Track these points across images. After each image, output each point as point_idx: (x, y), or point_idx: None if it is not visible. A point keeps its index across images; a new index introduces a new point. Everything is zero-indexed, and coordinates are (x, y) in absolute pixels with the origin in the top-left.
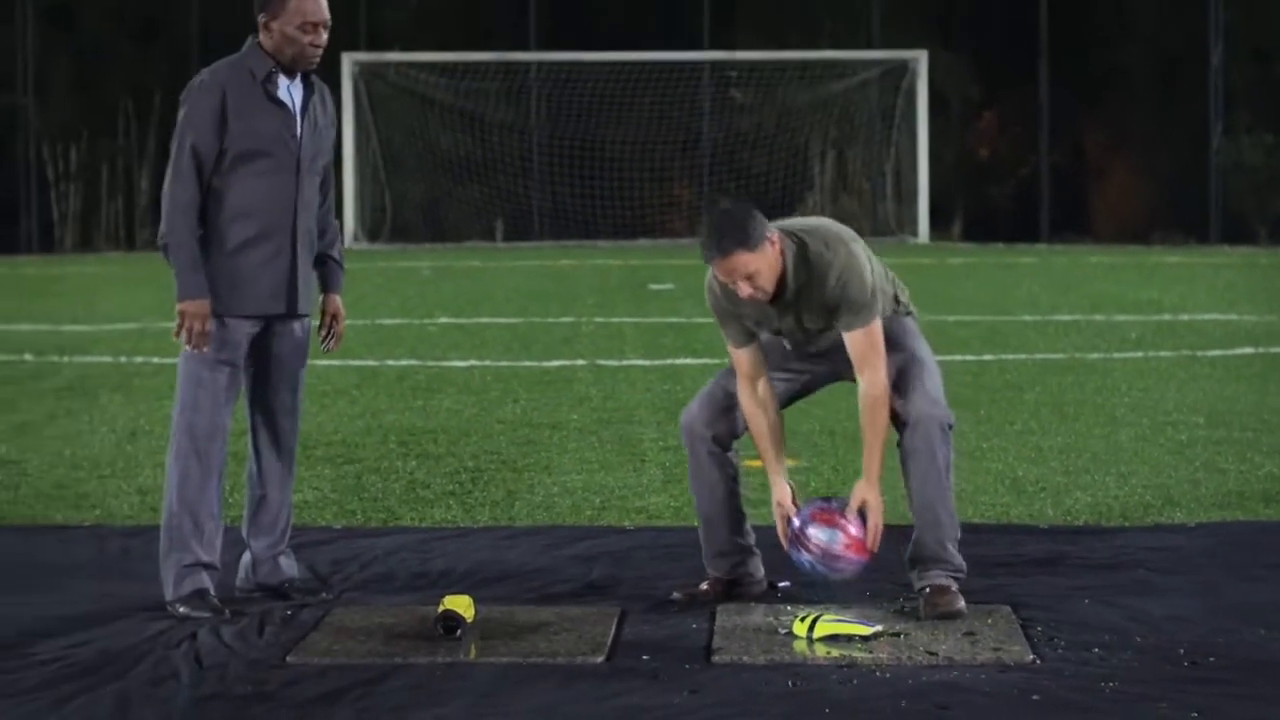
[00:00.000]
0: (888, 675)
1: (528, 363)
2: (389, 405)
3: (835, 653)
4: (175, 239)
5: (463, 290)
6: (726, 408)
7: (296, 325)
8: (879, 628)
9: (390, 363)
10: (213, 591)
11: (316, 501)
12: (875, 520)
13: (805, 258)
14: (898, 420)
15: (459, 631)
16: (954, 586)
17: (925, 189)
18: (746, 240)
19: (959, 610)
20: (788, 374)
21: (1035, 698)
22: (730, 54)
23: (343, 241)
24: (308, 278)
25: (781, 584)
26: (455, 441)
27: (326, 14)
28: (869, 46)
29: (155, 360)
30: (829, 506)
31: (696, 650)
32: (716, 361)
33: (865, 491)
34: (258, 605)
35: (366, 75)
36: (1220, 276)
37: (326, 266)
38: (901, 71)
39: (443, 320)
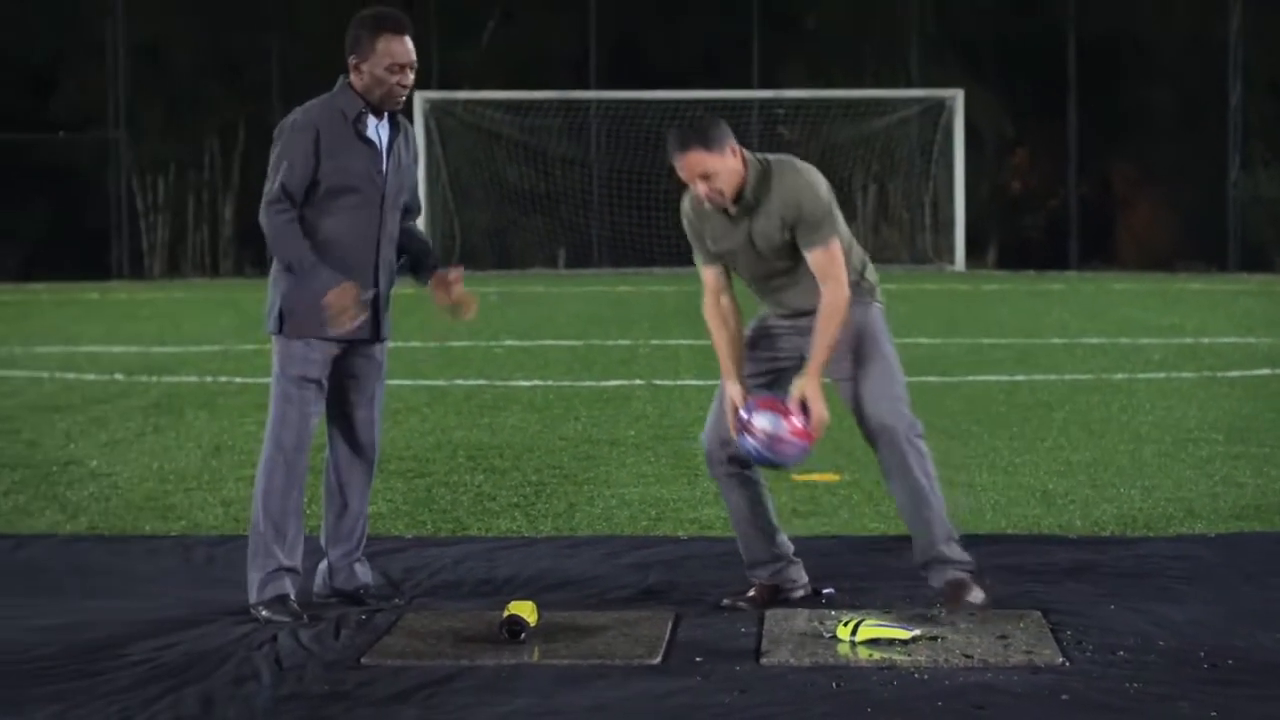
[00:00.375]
0: (926, 677)
1: (588, 382)
2: (458, 422)
3: (877, 655)
4: (293, 256)
5: (527, 314)
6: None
7: (376, 348)
8: (918, 632)
9: (459, 382)
10: (293, 596)
11: (389, 513)
12: (817, 409)
13: (766, 175)
14: (864, 432)
15: (523, 635)
16: (966, 578)
17: (961, 220)
18: (705, 141)
19: (977, 600)
20: (756, 373)
21: (1064, 698)
22: (778, 93)
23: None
24: (387, 303)
25: (826, 590)
26: (520, 456)
27: (413, 55)
28: (909, 86)
29: (238, 380)
30: (775, 397)
31: (746, 653)
32: None
33: (805, 385)
34: (335, 610)
35: (437, 112)
36: (1239, 302)
37: (419, 255)
38: (939, 109)
39: (508, 343)
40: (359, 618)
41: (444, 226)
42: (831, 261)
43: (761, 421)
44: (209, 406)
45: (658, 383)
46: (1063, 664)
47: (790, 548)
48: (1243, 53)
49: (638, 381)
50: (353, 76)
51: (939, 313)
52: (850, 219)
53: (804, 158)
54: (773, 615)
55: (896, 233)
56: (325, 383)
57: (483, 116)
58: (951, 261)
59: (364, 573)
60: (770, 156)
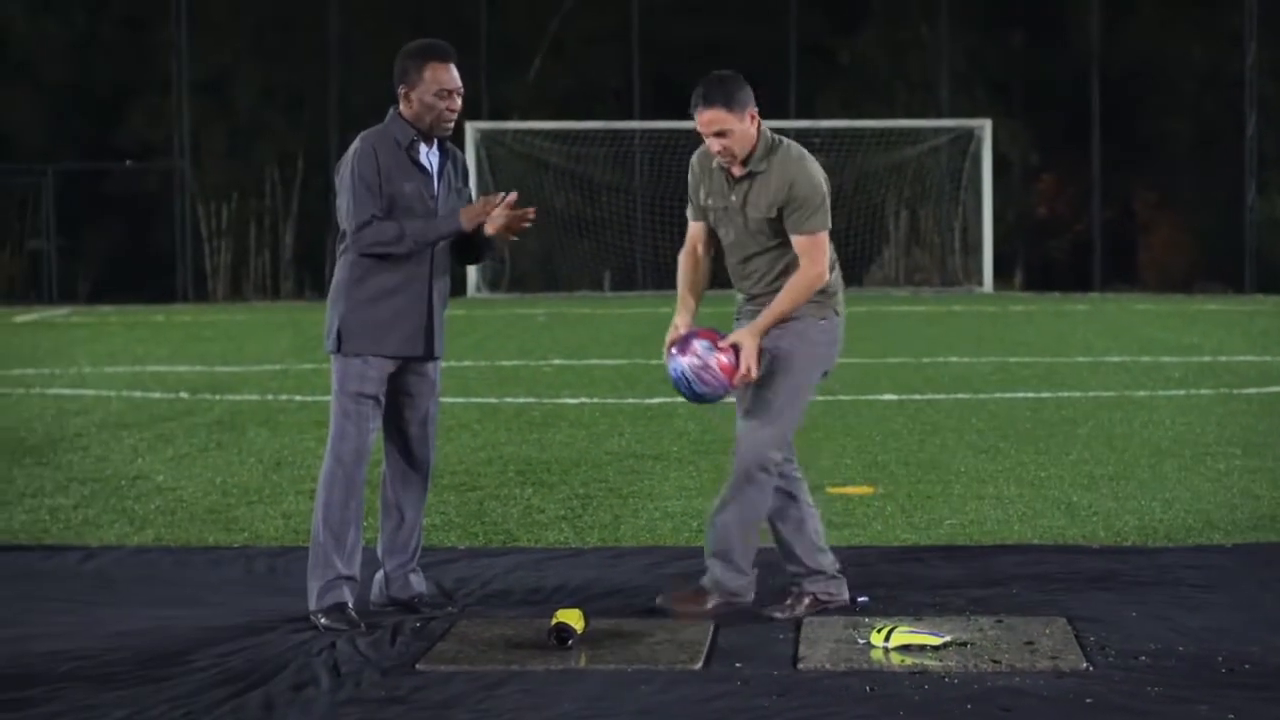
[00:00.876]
0: (956, 681)
1: (632, 400)
2: (508, 438)
3: (909, 661)
4: (404, 233)
5: (574, 335)
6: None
7: (430, 366)
8: (948, 638)
9: (509, 400)
10: (351, 605)
11: (443, 525)
12: (746, 359)
13: (775, 149)
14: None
15: (570, 642)
16: (713, 594)
17: (989, 243)
18: (729, 101)
19: (701, 610)
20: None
21: (1088, 701)
22: (814, 122)
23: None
24: (441, 324)
25: (860, 598)
26: (567, 471)
27: (459, 81)
28: (939, 116)
29: (298, 398)
30: (717, 333)
31: (784, 658)
32: None
33: (743, 336)
34: (390, 618)
35: (487, 142)
36: (1255, 322)
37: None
38: (968, 138)
39: (556, 362)
40: (414, 625)
41: (495, 251)
42: (815, 247)
43: (699, 346)
44: (270, 424)
45: None
46: (1086, 669)
47: (833, 564)
48: (1258, 85)
49: (679, 399)
50: (402, 106)
51: (968, 333)
52: (883, 243)
53: (838, 185)
54: (809, 623)
55: (927, 256)
56: (382, 399)
57: (531, 145)
58: (980, 283)
59: (418, 582)
60: (784, 138)
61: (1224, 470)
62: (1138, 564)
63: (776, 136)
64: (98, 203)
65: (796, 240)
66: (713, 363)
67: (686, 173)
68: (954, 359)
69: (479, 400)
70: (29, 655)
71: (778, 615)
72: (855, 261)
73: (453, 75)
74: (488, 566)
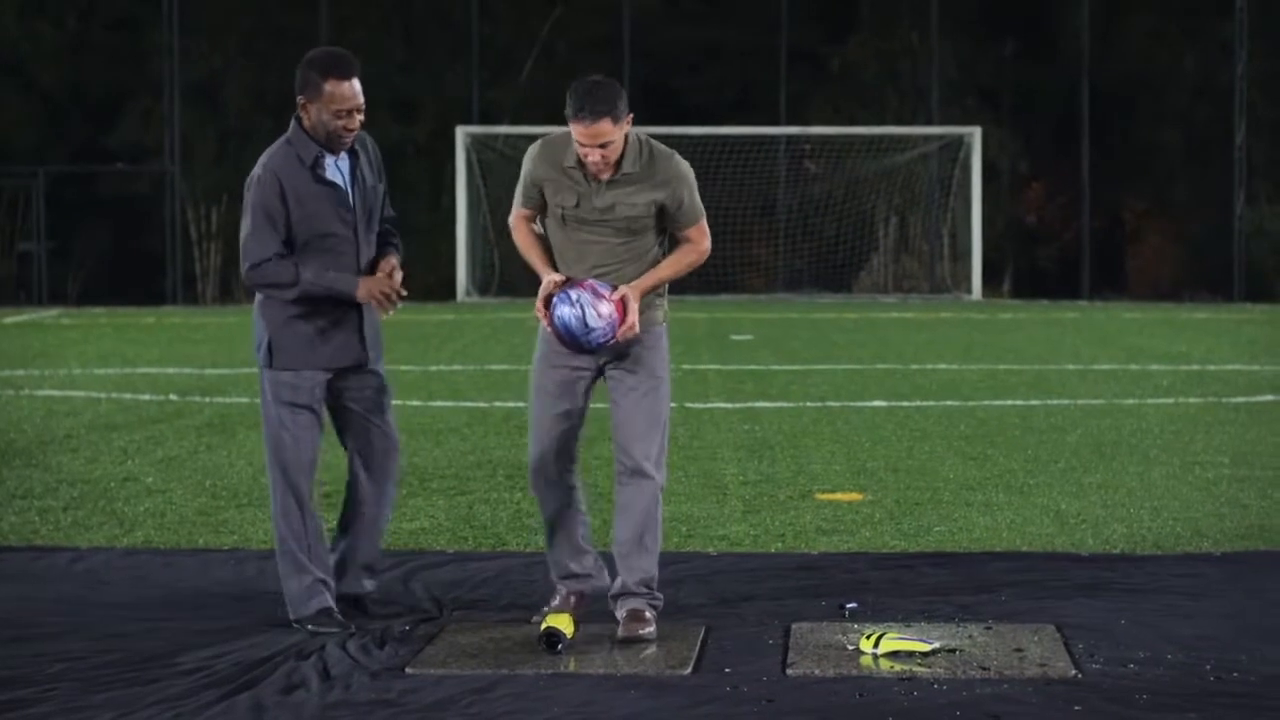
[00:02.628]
0: (945, 688)
1: None
2: (497, 442)
3: (898, 667)
4: (298, 281)
5: None
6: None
7: (369, 375)
8: (937, 645)
9: (498, 404)
10: (335, 608)
11: (432, 529)
12: (632, 314)
13: (644, 150)
14: (619, 456)
15: (560, 646)
16: (649, 613)
17: (979, 250)
18: (614, 112)
19: (648, 635)
20: (571, 397)
21: (1077, 708)
22: (804, 129)
23: (400, 243)
24: (375, 333)
25: (849, 605)
26: None
27: (359, 99)
28: (929, 123)
29: None
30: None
31: (773, 664)
32: (792, 405)
33: (629, 291)
34: (379, 623)
35: (478, 146)
36: (1243, 331)
37: (384, 248)
38: (958, 146)
39: None
40: (402, 629)
41: (484, 257)
42: (700, 234)
43: (593, 283)
44: (259, 426)
45: (689, 406)
46: (1075, 676)
47: (595, 562)
48: (1247, 95)
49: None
50: (301, 115)
51: (957, 340)
52: (872, 249)
53: (829, 191)
54: (798, 628)
55: (916, 263)
56: (318, 409)
57: (522, 150)
58: (968, 291)
59: (370, 583)
60: (643, 135)
61: (1212, 479)
62: (1126, 572)
63: (639, 135)
64: (88, 205)
65: (688, 231)
66: (604, 293)
67: None
68: (943, 366)
69: (469, 404)
70: (19, 657)
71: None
72: (844, 268)
73: (352, 92)
74: (477, 570)
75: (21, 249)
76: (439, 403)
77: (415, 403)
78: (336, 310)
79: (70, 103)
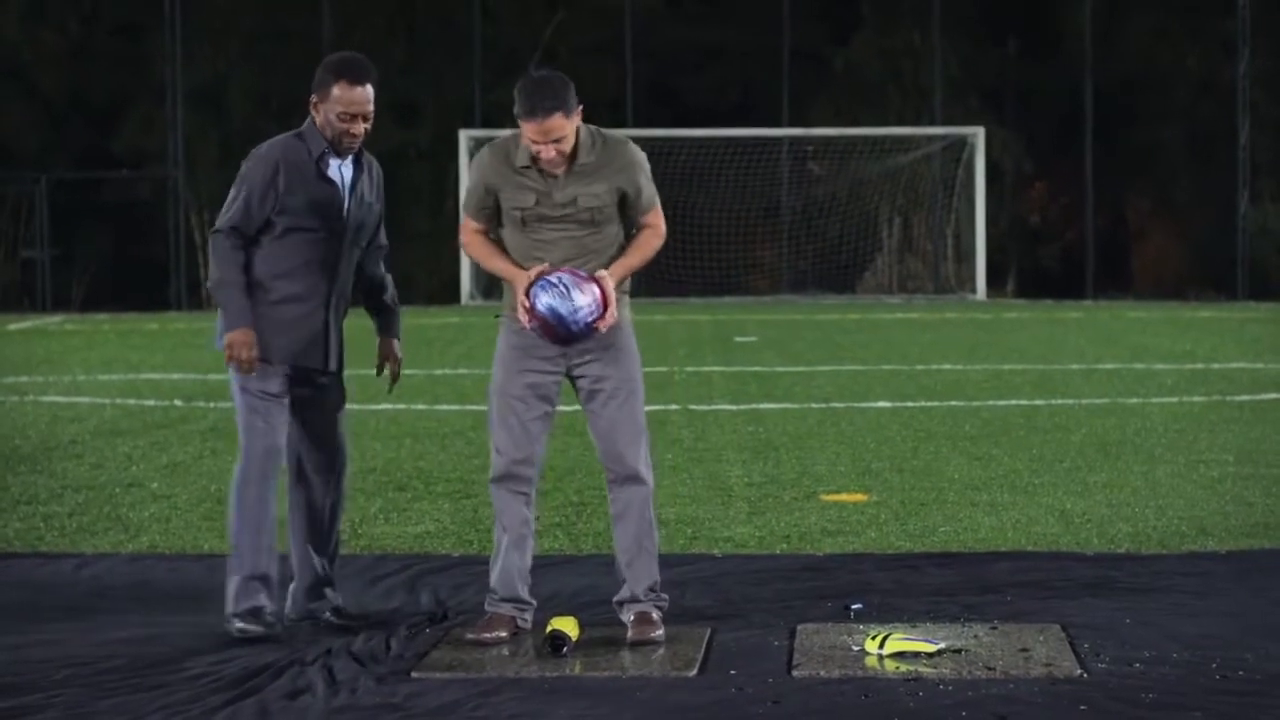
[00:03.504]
0: (950, 688)
1: None
2: None
3: (903, 668)
4: (227, 280)
5: None
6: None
7: (327, 379)
8: (943, 645)
9: None
10: (269, 607)
11: (437, 532)
12: (611, 301)
13: (605, 140)
14: (609, 464)
15: (565, 649)
16: (656, 615)
17: (982, 251)
18: (565, 106)
19: (658, 638)
20: (540, 400)
21: (1083, 707)
22: (807, 131)
23: (395, 291)
24: (339, 338)
25: (854, 605)
26: (562, 478)
27: (367, 106)
28: (932, 124)
29: None
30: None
31: (778, 665)
32: (797, 406)
33: (605, 275)
34: (384, 626)
35: (480, 149)
36: (1247, 329)
37: (382, 314)
38: (961, 146)
39: None
40: (405, 633)
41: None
42: (658, 215)
43: (566, 271)
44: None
45: (693, 408)
46: (1081, 675)
47: (532, 597)
48: (1251, 93)
49: (673, 406)
50: (313, 113)
51: (961, 340)
52: (876, 250)
53: (832, 192)
54: (804, 629)
55: (920, 263)
56: (286, 399)
57: None
58: (973, 290)
59: (334, 595)
60: (592, 127)
61: (1217, 477)
62: (1132, 571)
63: (589, 127)
64: (92, 211)
65: (646, 218)
66: (586, 286)
67: (675, 180)
68: (947, 366)
69: (474, 408)
70: (24, 662)
71: (486, 639)
72: (848, 268)
73: (362, 97)
74: (483, 574)
75: (25, 255)
76: (444, 406)
77: (420, 406)
78: (306, 309)
79: (73, 108)
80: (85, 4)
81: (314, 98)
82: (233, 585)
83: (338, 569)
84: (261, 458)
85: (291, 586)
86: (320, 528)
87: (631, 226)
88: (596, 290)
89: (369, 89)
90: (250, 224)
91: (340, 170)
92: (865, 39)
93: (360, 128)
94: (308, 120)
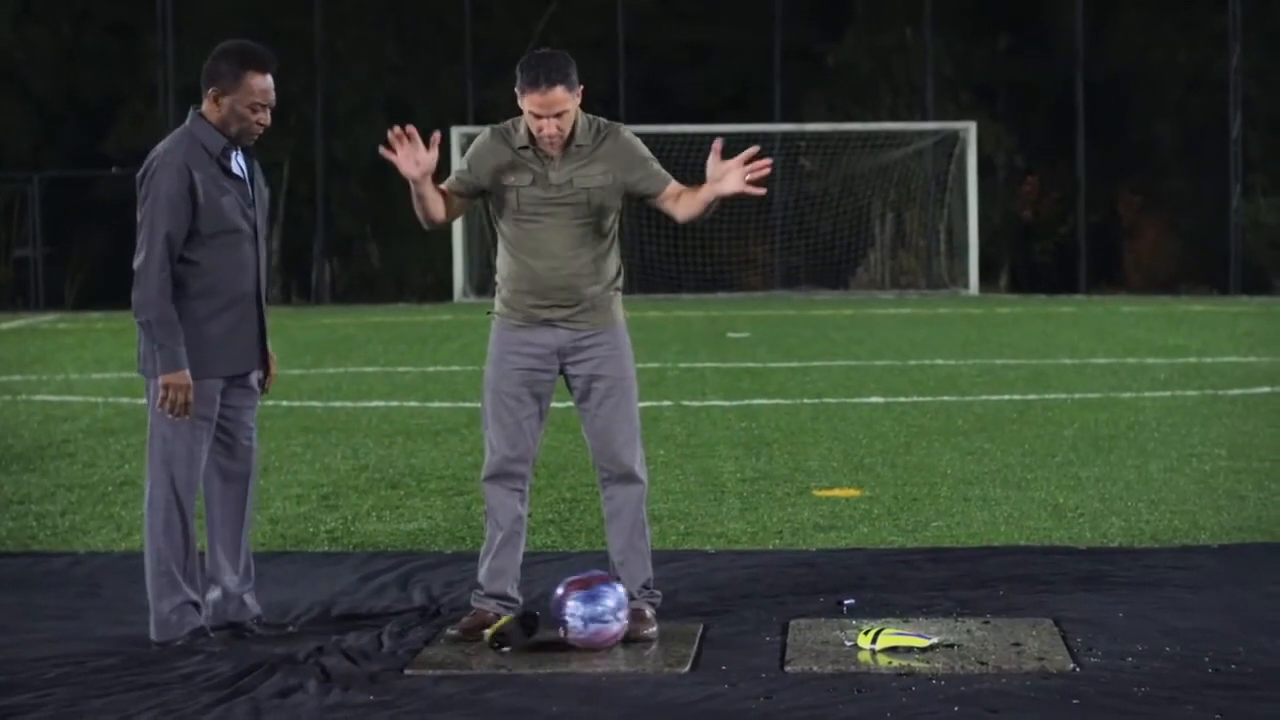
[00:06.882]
0: (943, 683)
1: None
2: None
3: (896, 663)
4: (157, 315)
5: None
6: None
7: (253, 376)
8: (935, 640)
9: None
10: (207, 628)
11: (430, 529)
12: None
13: (600, 125)
14: (602, 465)
15: (507, 648)
16: (649, 612)
17: (975, 246)
18: (569, 81)
19: (651, 634)
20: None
21: (1075, 702)
22: (799, 126)
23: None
24: (265, 338)
25: (847, 601)
26: (554, 475)
27: (273, 94)
28: (924, 119)
29: (284, 403)
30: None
31: (771, 661)
32: (789, 402)
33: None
34: (375, 626)
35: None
36: (1240, 324)
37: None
38: (953, 141)
39: None
40: (394, 632)
41: (480, 255)
42: (674, 185)
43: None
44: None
45: (685, 404)
46: (1073, 669)
47: (520, 595)
48: (1243, 87)
49: (666, 403)
50: (207, 108)
51: (954, 335)
52: (869, 246)
53: (825, 187)
54: (796, 625)
55: (913, 258)
56: (214, 418)
57: None
58: (966, 286)
59: (253, 603)
60: (589, 114)
61: (1209, 471)
62: (1124, 565)
63: (587, 114)
64: (84, 210)
65: (668, 189)
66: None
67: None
68: (940, 361)
69: (466, 405)
70: (17, 661)
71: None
72: (841, 264)
73: (270, 85)
74: (475, 571)
75: (17, 255)
76: (436, 403)
77: (413, 404)
78: (237, 317)
79: (65, 108)
80: (77, 4)
81: (213, 91)
82: (164, 613)
83: (328, 569)
84: (184, 486)
85: (210, 596)
86: (234, 541)
87: (661, 202)
88: (608, 639)
89: (271, 78)
90: (179, 235)
91: (239, 163)
92: (857, 35)
93: (268, 119)
94: (194, 117)
